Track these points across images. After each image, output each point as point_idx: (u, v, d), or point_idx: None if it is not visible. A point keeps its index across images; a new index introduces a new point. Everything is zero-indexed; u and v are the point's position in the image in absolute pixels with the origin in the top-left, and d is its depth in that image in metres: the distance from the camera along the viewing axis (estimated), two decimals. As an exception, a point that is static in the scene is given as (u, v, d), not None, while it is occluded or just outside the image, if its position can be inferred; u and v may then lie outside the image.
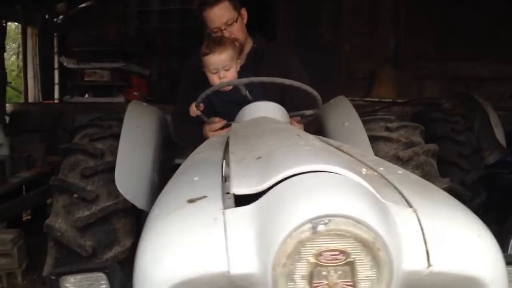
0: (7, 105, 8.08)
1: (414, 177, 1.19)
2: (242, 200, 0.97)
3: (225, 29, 2.86)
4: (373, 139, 3.25)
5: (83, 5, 9.83)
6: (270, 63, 3.03)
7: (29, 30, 8.72)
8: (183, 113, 2.83)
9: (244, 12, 3.00)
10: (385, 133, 3.26)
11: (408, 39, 8.75)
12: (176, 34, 9.32)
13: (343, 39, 8.11)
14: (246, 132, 1.66)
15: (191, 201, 1.00)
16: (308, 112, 2.66)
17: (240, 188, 0.97)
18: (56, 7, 9.85)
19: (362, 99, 8.00)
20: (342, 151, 1.40)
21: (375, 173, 1.15)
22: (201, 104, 2.66)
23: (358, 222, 0.84)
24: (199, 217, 0.95)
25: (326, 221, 0.84)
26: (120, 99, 7.71)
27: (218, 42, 2.70)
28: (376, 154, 3.14)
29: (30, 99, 8.71)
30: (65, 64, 8.05)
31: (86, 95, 8.29)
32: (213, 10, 2.84)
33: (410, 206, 0.97)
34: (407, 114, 5.89)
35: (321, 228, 0.83)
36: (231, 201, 0.98)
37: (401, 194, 1.02)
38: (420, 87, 8.87)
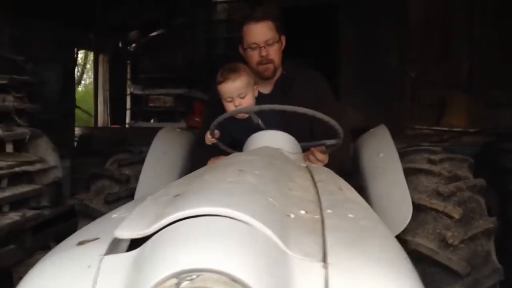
0: (77, 129, 8.44)
1: (364, 223, 1.01)
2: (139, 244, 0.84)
3: (264, 47, 2.77)
4: (413, 172, 3.00)
5: (154, 33, 10.14)
6: (298, 91, 2.90)
7: (100, 57, 9.09)
8: (203, 141, 2.74)
9: (283, 39, 2.91)
10: (426, 166, 3.00)
11: (484, 63, 8.23)
12: (241, 60, 9.36)
13: (409, 64, 7.77)
14: (221, 164, 1.53)
15: (81, 243, 0.89)
16: (329, 142, 2.48)
17: (125, 231, 0.84)
18: (129, 36, 10.24)
19: (429, 127, 7.61)
20: (297, 187, 1.23)
21: (316, 216, 0.98)
22: (217, 132, 2.56)
23: (233, 279, 0.68)
24: (75, 263, 0.84)
25: (194, 276, 0.69)
26: (182, 124, 7.81)
27: (233, 69, 2.60)
28: (415, 188, 2.91)
29: (100, 124, 9.04)
30: (131, 90, 8.29)
31: (152, 120, 8.49)
32: (256, 26, 2.77)
33: (324, 260, 0.79)
34: (478, 146, 5.53)
35: (185, 285, 0.68)
36: (117, 245, 0.85)
37: (324, 244, 0.84)
38: (496, 116, 8.30)
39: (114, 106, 8.98)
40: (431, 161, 3.04)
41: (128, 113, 10.14)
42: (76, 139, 7.98)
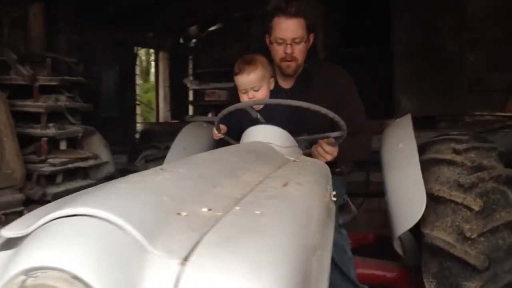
0: (138, 125, 8.78)
1: (265, 221, 1.02)
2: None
3: (290, 44, 2.71)
4: (436, 163, 2.93)
5: (212, 28, 10.30)
6: (319, 86, 2.88)
7: (161, 54, 9.38)
8: None
9: (311, 37, 2.84)
10: (449, 156, 2.90)
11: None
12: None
13: (468, 49, 7.43)
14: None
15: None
16: (333, 135, 2.47)
17: (10, 230, 0.90)
18: (188, 31, 10.47)
19: (491, 113, 7.27)
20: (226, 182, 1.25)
21: (218, 213, 1.01)
22: (223, 126, 2.61)
23: (74, 277, 0.73)
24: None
25: (39, 274, 0.75)
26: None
27: (249, 61, 2.61)
28: (437, 179, 2.85)
29: (161, 119, 9.34)
30: (188, 85, 8.48)
31: (210, 114, 8.64)
32: (287, 21, 2.69)
33: (185, 258, 0.82)
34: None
35: (30, 282, 0.74)
36: (9, 244, 0.92)
37: (198, 242, 0.87)
38: None
39: (175, 102, 9.25)
40: (455, 151, 2.94)
41: (191, 108, 10.41)
42: (137, 135, 8.29)
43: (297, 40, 2.71)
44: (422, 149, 3.07)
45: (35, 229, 0.86)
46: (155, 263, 0.81)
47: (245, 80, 2.59)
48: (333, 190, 2.66)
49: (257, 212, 1.06)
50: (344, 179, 2.94)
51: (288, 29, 2.70)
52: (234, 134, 2.62)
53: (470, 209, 2.64)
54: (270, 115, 2.59)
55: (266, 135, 2.17)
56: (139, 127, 8.51)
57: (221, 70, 8.97)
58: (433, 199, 2.74)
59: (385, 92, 7.61)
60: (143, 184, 1.05)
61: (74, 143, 5.24)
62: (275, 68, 2.84)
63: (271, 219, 1.04)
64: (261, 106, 2.60)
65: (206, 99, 8.23)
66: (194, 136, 3.26)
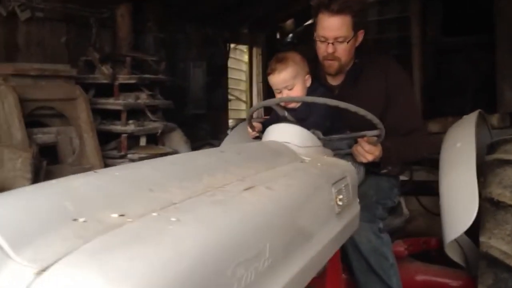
0: (230, 120, 8.90)
1: (171, 229, 0.94)
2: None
3: (332, 43, 2.52)
4: (501, 164, 2.62)
5: (309, 22, 10.18)
6: (368, 81, 2.69)
7: (254, 50, 9.42)
8: None
9: (360, 35, 2.63)
10: (517, 156, 2.60)
11: None
12: (394, 44, 8.95)
13: None
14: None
15: None
16: (370, 133, 2.29)
17: None
18: (284, 26, 10.44)
19: None
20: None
21: (128, 220, 0.95)
22: (257, 125, 2.53)
23: None
24: None
25: None
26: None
27: (280, 60, 2.49)
28: (500, 182, 2.55)
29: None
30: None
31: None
32: (330, 19, 2.49)
33: (46, 267, 0.78)
34: None
35: None
36: None
37: (72, 250, 0.83)
38: None
39: (268, 98, 9.18)
40: (525, 151, 2.62)
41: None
42: (229, 131, 8.39)
43: (340, 39, 2.50)
44: (492, 147, 2.78)
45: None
46: (11, 272, 0.78)
47: (277, 80, 2.49)
48: (374, 193, 2.50)
49: (173, 219, 0.98)
50: (395, 180, 2.72)
51: (330, 28, 2.50)
52: None
53: (533, 217, 2.34)
54: (306, 112, 2.48)
55: (282, 134, 2.06)
56: (231, 123, 8.60)
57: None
58: (493, 204, 2.47)
59: (487, 83, 7.12)
60: (52, 189, 1.01)
61: (156, 139, 5.41)
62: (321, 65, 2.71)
63: (180, 227, 0.96)
64: (298, 104, 2.49)
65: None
66: (244, 133, 3.20)
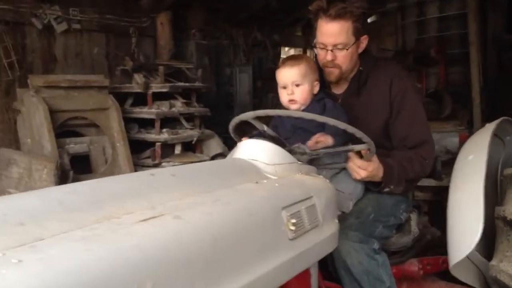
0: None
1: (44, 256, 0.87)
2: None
3: (331, 50, 2.37)
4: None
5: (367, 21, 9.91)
6: (372, 89, 2.50)
7: (308, 53, 9.26)
8: None
9: (364, 40, 2.46)
10: (536, 170, 2.32)
11: None
12: (455, 41, 8.47)
13: None
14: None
15: None
16: (358, 147, 2.11)
17: None
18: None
19: None
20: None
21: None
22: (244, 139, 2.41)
23: None
24: None
25: None
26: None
27: (295, 57, 2.37)
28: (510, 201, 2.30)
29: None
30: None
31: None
32: (328, 24, 2.33)
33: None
34: None
35: None
36: None
37: None
38: None
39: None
40: (547, 164, 2.35)
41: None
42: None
43: (339, 46, 2.32)
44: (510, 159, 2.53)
45: None
46: None
47: (287, 74, 2.32)
48: (373, 210, 2.30)
49: (14, 260, 0.91)
50: (402, 196, 2.50)
51: (329, 34, 2.32)
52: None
53: (547, 240, 2.08)
54: (303, 125, 2.33)
55: (250, 150, 1.92)
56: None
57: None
58: (506, 223, 2.22)
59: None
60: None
61: (194, 146, 5.39)
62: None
63: (18, 269, 0.89)
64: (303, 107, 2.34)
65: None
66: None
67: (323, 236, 1.79)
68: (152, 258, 1.09)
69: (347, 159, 2.26)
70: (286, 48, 9.58)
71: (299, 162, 2.01)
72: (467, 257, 2.40)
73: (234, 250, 1.33)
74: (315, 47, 2.47)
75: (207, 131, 5.46)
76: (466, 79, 7.34)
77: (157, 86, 5.02)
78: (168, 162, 5.01)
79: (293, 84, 2.30)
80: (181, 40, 6.38)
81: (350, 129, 2.00)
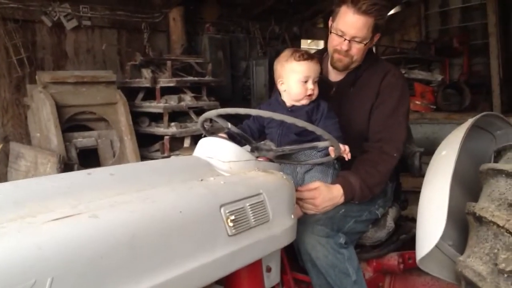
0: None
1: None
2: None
3: (349, 40, 2.41)
4: (494, 174, 2.33)
5: (391, 12, 9.75)
6: (363, 85, 2.52)
7: (329, 45, 9.22)
8: None
9: (376, 37, 2.49)
10: (510, 166, 2.27)
11: None
12: (478, 32, 8.28)
13: None
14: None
15: None
16: (322, 144, 2.11)
17: None
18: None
19: None
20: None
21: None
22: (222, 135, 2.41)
23: None
24: None
25: None
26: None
27: (311, 53, 2.38)
28: (489, 195, 2.27)
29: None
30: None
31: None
32: (355, 16, 2.38)
33: None
34: None
35: None
36: None
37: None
38: None
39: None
40: (522, 160, 2.30)
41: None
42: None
43: (357, 39, 2.37)
44: (498, 155, 2.49)
45: None
46: None
47: (314, 68, 2.30)
48: (344, 205, 2.31)
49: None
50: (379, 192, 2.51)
51: (352, 25, 2.36)
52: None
53: (513, 235, 2.05)
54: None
55: (207, 148, 1.95)
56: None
57: (401, 56, 8.40)
58: (476, 218, 2.19)
59: None
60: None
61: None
62: (328, 57, 2.57)
63: None
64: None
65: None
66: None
67: (273, 232, 1.80)
68: (53, 255, 1.14)
69: (326, 152, 2.26)
70: (309, 41, 9.54)
71: (259, 159, 2.04)
72: (446, 254, 2.39)
73: (158, 246, 1.37)
74: (331, 31, 2.48)
75: (218, 124, 5.50)
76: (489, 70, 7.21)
77: (165, 81, 5.09)
78: (177, 155, 5.10)
79: (314, 80, 2.31)
80: (195, 35, 6.44)
81: (317, 130, 2.00)
